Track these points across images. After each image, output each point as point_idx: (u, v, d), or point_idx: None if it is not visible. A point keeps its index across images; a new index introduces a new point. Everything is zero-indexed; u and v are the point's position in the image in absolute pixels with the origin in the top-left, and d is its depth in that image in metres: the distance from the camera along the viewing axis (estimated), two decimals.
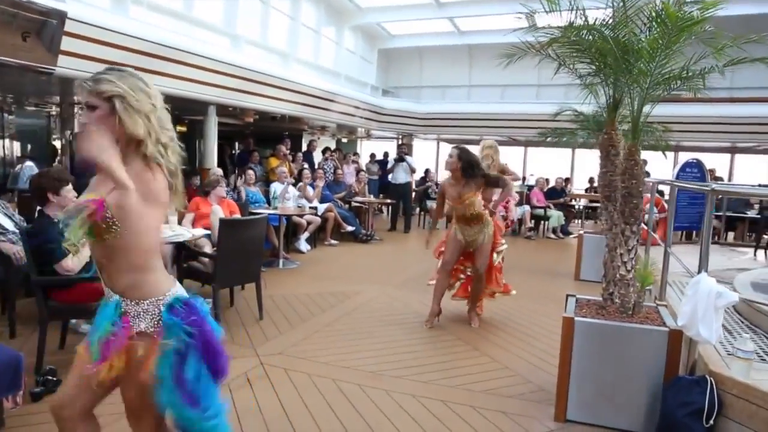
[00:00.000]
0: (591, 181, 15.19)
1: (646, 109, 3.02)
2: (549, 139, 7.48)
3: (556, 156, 17.48)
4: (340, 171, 10.71)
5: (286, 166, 9.39)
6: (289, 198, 8.12)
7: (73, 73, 5.30)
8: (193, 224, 5.38)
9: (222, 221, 4.27)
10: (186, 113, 10.05)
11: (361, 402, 3.16)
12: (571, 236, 11.36)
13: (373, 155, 15.91)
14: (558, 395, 2.96)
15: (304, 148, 12.56)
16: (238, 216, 5.52)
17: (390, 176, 11.23)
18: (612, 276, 3.05)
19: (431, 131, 14.22)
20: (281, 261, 7.10)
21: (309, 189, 8.82)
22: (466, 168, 4.33)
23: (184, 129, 13.71)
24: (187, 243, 4.40)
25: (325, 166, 10.97)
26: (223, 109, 8.88)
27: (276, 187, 8.09)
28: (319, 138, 17.14)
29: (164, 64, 6.39)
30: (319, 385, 3.37)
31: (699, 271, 2.59)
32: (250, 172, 7.62)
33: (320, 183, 9.05)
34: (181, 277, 4.69)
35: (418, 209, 12.62)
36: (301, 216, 8.02)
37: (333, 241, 8.85)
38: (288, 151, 9.59)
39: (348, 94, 11.01)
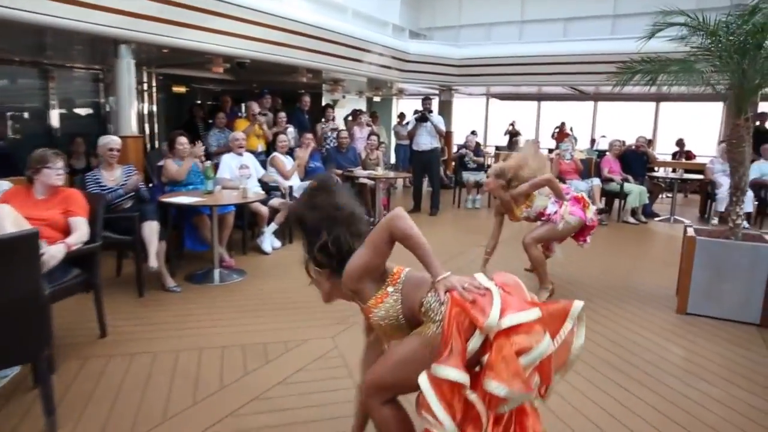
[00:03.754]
0: (680, 143, 11.91)
1: None
2: (621, 85, 4.62)
3: (633, 112, 14.31)
4: (344, 134, 8.13)
5: (257, 131, 7.00)
6: (248, 175, 5.73)
7: None
8: None
9: None
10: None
11: None
12: (657, 219, 8.37)
13: (401, 115, 13.21)
14: None
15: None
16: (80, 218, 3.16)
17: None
18: None
19: (473, 81, 11.23)
20: (216, 272, 4.76)
21: (283, 161, 6.37)
22: None
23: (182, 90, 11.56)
24: None
25: (326, 129, 8.46)
26: (172, 55, 6.55)
27: (225, 161, 5.70)
28: (344, 96, 14.50)
29: None
30: None
31: None
32: (181, 139, 5.22)
33: (302, 152, 6.57)
34: None
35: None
36: (264, 203, 5.60)
37: None
38: (260, 110, 7.13)
39: (353, 32, 8.36)
